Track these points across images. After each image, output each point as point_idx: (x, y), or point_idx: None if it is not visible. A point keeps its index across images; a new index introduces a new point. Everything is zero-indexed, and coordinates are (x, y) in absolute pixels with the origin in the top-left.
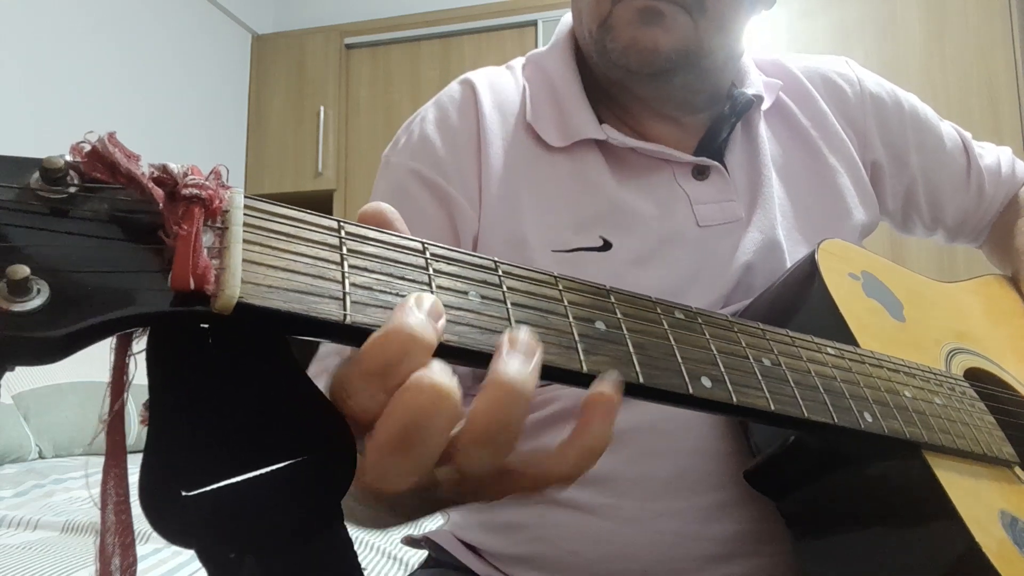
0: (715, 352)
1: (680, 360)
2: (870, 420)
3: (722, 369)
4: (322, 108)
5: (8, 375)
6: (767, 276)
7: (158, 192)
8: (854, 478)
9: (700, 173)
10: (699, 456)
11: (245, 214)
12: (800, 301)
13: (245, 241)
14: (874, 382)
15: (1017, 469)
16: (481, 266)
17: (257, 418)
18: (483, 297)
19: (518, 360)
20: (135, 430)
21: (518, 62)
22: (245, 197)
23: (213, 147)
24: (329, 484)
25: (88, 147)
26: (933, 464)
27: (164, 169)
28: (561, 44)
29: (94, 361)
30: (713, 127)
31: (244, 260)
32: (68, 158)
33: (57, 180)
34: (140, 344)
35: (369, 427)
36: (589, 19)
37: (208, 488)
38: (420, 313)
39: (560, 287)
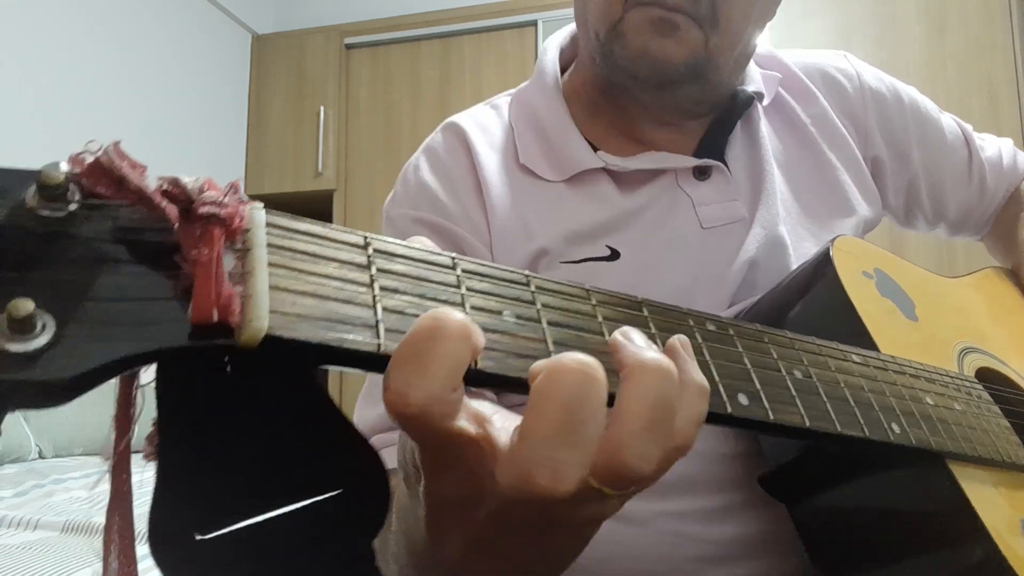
0: (749, 366)
1: (717, 377)
2: (898, 431)
3: (757, 384)
4: (322, 108)
5: None
6: (771, 272)
7: (172, 211)
8: (875, 485)
9: (701, 173)
10: (704, 458)
11: (268, 233)
12: (816, 301)
13: (270, 264)
14: (899, 391)
15: None
16: (513, 281)
17: (279, 452)
18: (518, 317)
19: (648, 348)
20: (139, 431)
21: (504, 101)
22: (266, 212)
23: (213, 147)
24: (361, 523)
25: (90, 158)
26: (956, 473)
27: (176, 183)
28: (547, 72)
29: None
30: (713, 127)
31: (270, 287)
32: (66, 167)
33: (56, 196)
34: (148, 374)
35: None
36: (597, 21)
37: (225, 530)
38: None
39: (593, 301)
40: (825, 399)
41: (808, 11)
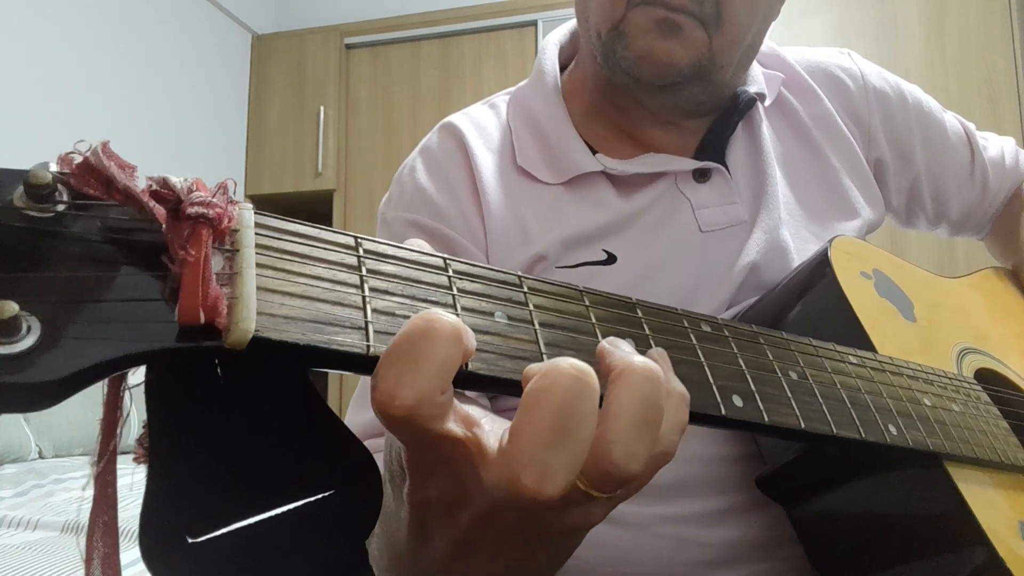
0: (743, 367)
1: (711, 379)
2: (895, 433)
3: (752, 385)
4: (322, 108)
5: None
6: (774, 276)
7: (160, 211)
8: (873, 487)
9: (701, 176)
10: (703, 461)
11: (256, 233)
12: (813, 301)
13: (258, 265)
14: (895, 392)
15: None
16: (505, 283)
17: (271, 453)
18: (509, 318)
19: (635, 353)
20: (134, 431)
21: (502, 100)
22: (255, 213)
23: (213, 147)
24: (354, 523)
25: (79, 158)
26: (954, 475)
27: (164, 183)
28: (546, 72)
29: None
30: (715, 127)
31: (258, 288)
32: (54, 168)
33: (44, 196)
34: (136, 376)
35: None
36: (599, 20)
37: (217, 532)
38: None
39: (586, 302)
40: (821, 400)
41: (808, 10)
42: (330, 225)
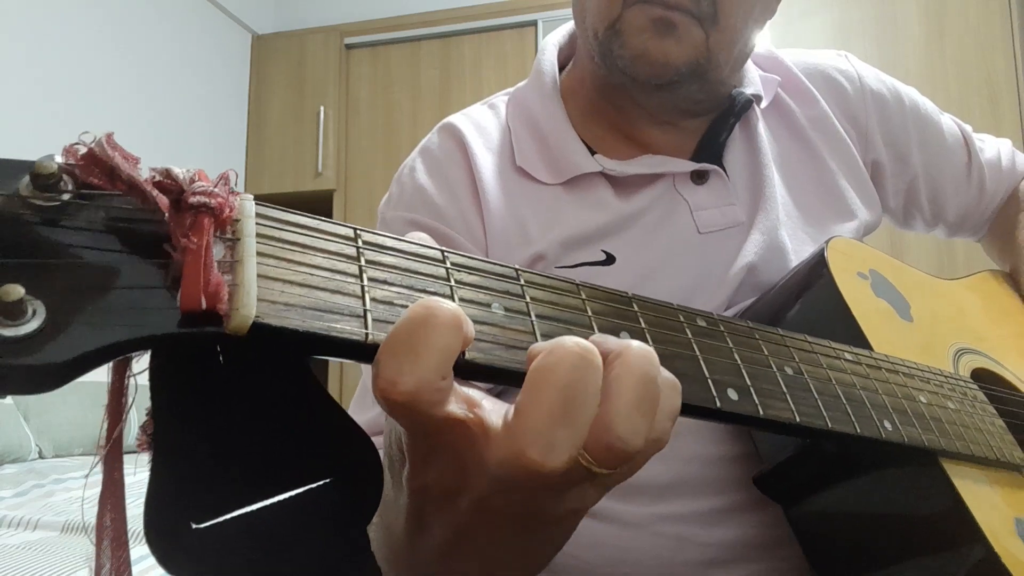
0: (739, 361)
1: (706, 372)
2: (890, 429)
3: (747, 380)
4: (322, 108)
5: None
6: (772, 277)
7: (163, 200)
8: (869, 485)
9: (699, 177)
10: (701, 460)
11: (257, 223)
12: (810, 301)
13: (259, 254)
14: (891, 388)
15: None
16: (503, 275)
17: (274, 440)
18: (507, 310)
19: (630, 340)
20: (133, 431)
21: (501, 100)
22: (256, 204)
23: (213, 147)
24: (356, 510)
25: (84, 149)
26: (950, 472)
27: (167, 174)
28: (545, 73)
29: None
30: (712, 128)
31: (258, 275)
32: (60, 160)
33: (49, 186)
34: (140, 363)
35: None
36: (595, 20)
37: (221, 518)
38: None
39: (583, 295)
40: (816, 395)
41: (808, 10)
42: None
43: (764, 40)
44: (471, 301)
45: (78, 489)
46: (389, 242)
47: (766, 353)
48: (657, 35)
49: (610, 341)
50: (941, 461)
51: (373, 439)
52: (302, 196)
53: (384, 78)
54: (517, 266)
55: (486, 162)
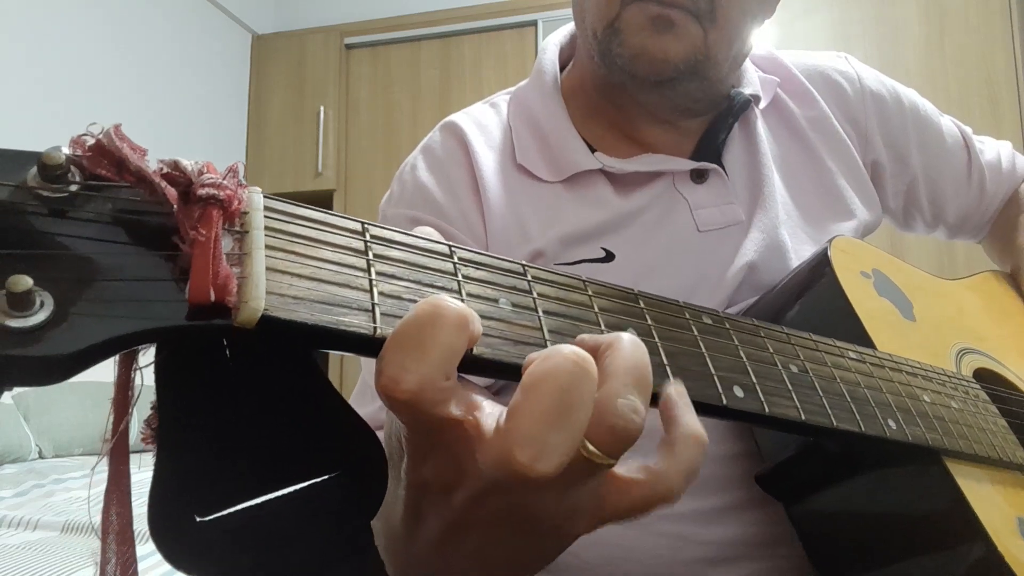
0: (744, 359)
1: (712, 369)
2: (894, 427)
3: (753, 378)
4: (322, 108)
5: None
6: (771, 276)
7: (171, 192)
8: (872, 483)
9: (699, 177)
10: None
11: (266, 216)
12: (813, 300)
13: (267, 247)
14: (895, 387)
15: None
16: (510, 271)
17: (280, 434)
18: (514, 305)
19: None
20: (134, 430)
21: (502, 99)
22: (264, 197)
23: (213, 147)
24: (360, 502)
25: (91, 141)
26: (953, 471)
27: (176, 166)
28: (545, 72)
29: None
30: (711, 128)
31: (267, 268)
32: (67, 151)
33: (57, 177)
34: (147, 357)
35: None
36: (594, 19)
37: (225, 512)
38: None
39: (589, 292)
40: (821, 394)
41: (808, 10)
42: None
43: (765, 41)
44: (478, 296)
45: (78, 489)
46: (397, 236)
47: (771, 351)
48: (656, 32)
49: (602, 337)
50: (944, 460)
51: None
52: (302, 196)
53: (384, 78)
54: (524, 262)
55: (487, 160)
